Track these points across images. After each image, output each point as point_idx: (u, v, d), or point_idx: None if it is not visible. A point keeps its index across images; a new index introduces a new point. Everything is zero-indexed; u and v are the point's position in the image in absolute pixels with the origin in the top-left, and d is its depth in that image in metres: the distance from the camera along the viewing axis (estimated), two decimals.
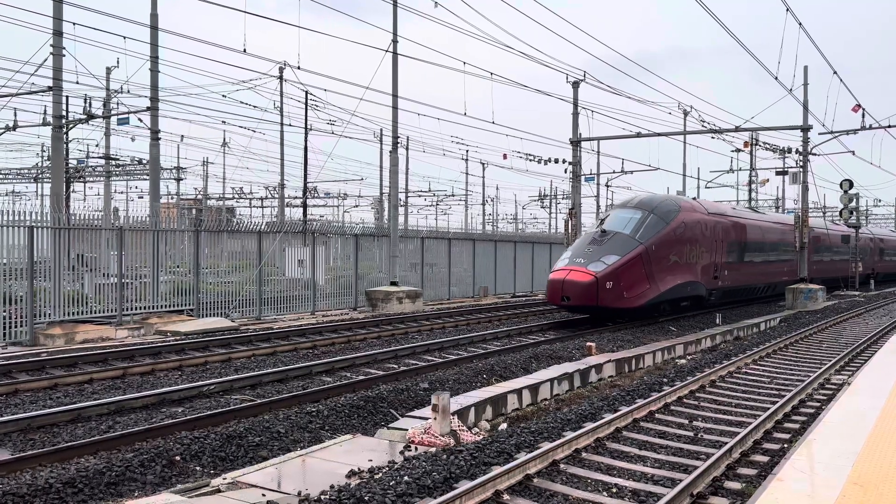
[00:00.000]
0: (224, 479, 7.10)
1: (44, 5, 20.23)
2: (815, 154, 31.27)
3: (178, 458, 8.02)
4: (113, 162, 38.11)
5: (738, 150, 46.28)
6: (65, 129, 25.78)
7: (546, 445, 7.64)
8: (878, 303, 30.53)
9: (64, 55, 20.00)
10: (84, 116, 28.08)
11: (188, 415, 9.56)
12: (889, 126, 31.07)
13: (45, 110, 27.40)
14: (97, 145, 39.33)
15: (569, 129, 31.24)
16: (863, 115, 30.51)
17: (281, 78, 30.70)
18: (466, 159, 56.90)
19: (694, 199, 25.21)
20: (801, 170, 30.28)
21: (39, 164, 43.87)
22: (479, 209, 77.82)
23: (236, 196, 58.00)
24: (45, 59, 20.57)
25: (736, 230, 26.18)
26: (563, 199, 64.35)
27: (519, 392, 11.36)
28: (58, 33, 19.64)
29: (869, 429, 7.24)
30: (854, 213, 39.32)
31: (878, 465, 6.06)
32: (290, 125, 34.91)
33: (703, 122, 32.09)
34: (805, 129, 28.90)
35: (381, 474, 7.00)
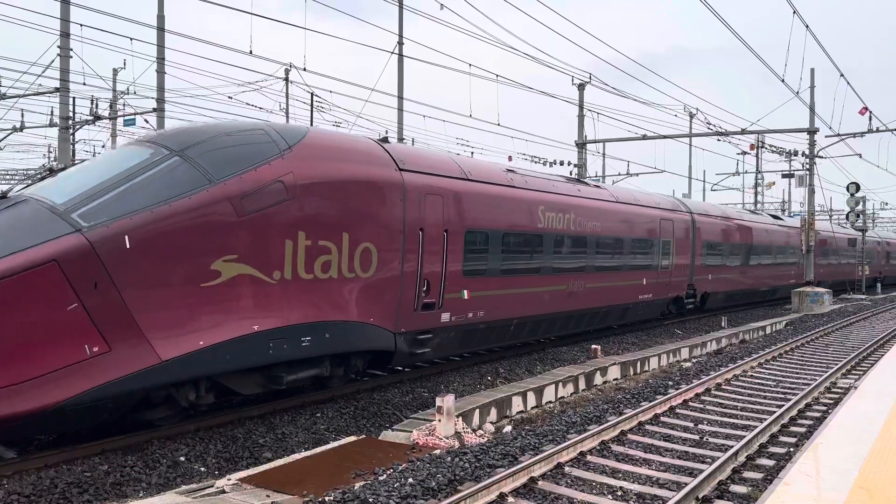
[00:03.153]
0: (229, 479, 7.11)
1: (51, 7, 20.31)
2: (821, 157, 31.19)
3: (182, 458, 8.02)
4: None
5: (745, 153, 46.30)
6: (71, 131, 25.87)
7: (551, 448, 7.62)
8: (885, 306, 30.40)
9: (71, 56, 20.08)
10: (91, 117, 28.17)
11: (193, 415, 9.55)
12: None
13: (52, 111, 27.47)
14: (104, 146, 39.47)
15: (574, 131, 31.22)
16: (870, 118, 30.43)
17: (287, 79, 30.74)
18: None
19: (384, 140, 12.53)
20: (808, 172, 30.21)
21: (46, 165, 44.04)
22: None
23: None
24: (52, 61, 20.65)
25: (498, 209, 13.44)
26: None
27: (524, 394, 11.34)
28: (65, 35, 19.72)
29: (876, 433, 7.21)
30: (861, 216, 39.20)
31: (886, 469, 6.03)
32: None
33: (709, 124, 32.04)
34: (811, 131, 28.83)
35: (385, 476, 7.00)
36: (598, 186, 18.22)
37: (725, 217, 25.64)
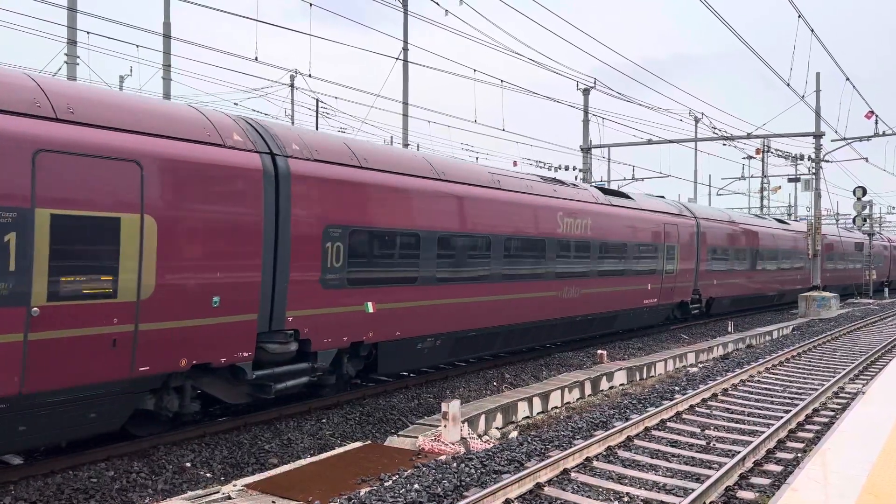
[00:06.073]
0: (234, 485, 7.10)
1: (58, 15, 20.48)
2: (827, 161, 31.13)
3: (188, 464, 8.03)
4: None
5: (750, 157, 46.23)
6: None
7: (557, 454, 7.60)
8: (893, 311, 30.25)
9: (78, 64, 20.19)
10: None
11: (198, 421, 9.57)
12: None
13: None
14: None
15: (579, 136, 31.25)
16: (876, 122, 30.36)
17: (292, 86, 30.83)
18: None
19: None
20: (814, 177, 30.13)
21: None
22: None
23: None
24: (59, 68, 20.78)
25: None
26: None
27: (530, 399, 11.32)
28: (72, 42, 19.83)
29: (884, 438, 7.17)
30: (867, 220, 39.10)
31: (894, 475, 5.99)
32: None
33: (715, 128, 32.00)
34: (817, 135, 28.77)
35: (390, 482, 6.99)
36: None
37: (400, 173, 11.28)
